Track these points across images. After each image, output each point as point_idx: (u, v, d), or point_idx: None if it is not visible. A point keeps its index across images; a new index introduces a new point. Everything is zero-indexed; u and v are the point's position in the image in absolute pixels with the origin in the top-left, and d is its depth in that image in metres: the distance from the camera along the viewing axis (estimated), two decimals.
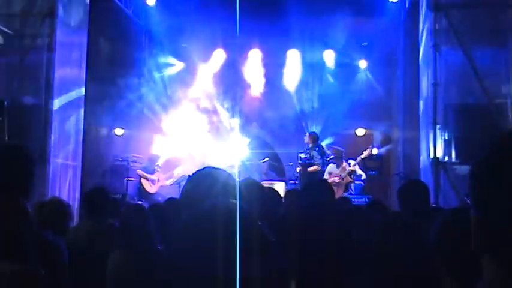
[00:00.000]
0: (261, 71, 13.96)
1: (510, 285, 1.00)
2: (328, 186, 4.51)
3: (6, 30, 9.18)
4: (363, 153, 11.07)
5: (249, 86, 13.85)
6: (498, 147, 1.04)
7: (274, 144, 14.10)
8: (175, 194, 9.47)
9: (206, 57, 13.98)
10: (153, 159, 11.86)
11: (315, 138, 11.73)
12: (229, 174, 2.40)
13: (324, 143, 12.60)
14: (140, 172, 11.72)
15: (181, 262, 1.64)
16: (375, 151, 12.78)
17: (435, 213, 4.09)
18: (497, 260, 1.03)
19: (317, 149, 11.59)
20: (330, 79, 13.80)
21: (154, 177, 11.65)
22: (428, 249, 2.17)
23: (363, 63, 13.67)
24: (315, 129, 13.22)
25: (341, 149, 11.29)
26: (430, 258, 2.21)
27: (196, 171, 2.40)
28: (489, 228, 1.02)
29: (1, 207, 2.33)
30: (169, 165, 12.11)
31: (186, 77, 13.90)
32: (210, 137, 13.48)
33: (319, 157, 11.39)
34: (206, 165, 2.54)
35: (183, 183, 2.50)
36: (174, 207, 4.43)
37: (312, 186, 4.57)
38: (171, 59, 14.17)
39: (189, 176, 2.49)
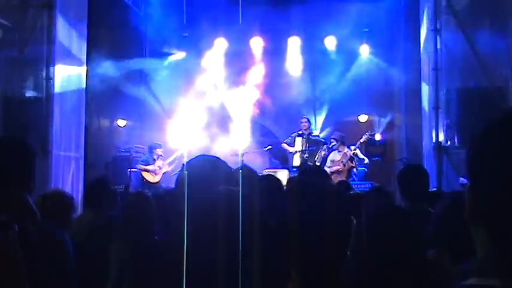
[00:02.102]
0: (263, 58, 13.91)
1: (501, 256, 1.01)
2: (323, 171, 4.52)
3: (5, 22, 9.17)
4: (362, 138, 11.09)
5: (250, 74, 13.80)
6: (494, 123, 1.06)
7: (277, 131, 14.08)
8: None
9: (207, 46, 13.94)
10: (152, 149, 11.81)
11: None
12: (224, 161, 2.40)
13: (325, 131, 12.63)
14: (139, 167, 11.67)
15: (184, 249, 1.64)
16: (377, 137, 12.78)
17: (435, 197, 4.11)
18: (489, 231, 1.05)
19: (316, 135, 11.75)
20: (332, 66, 13.74)
21: (155, 166, 11.62)
22: (424, 236, 2.18)
23: (364, 49, 13.62)
24: (317, 116, 13.25)
25: (343, 134, 11.30)
26: (425, 244, 2.22)
27: (191, 159, 2.40)
28: (482, 199, 1.05)
29: (3, 200, 2.33)
30: (170, 151, 12.10)
31: (187, 66, 13.87)
32: (214, 125, 13.47)
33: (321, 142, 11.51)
34: (202, 153, 2.53)
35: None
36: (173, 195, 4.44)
37: (308, 172, 4.58)
38: (172, 49, 14.14)
39: (183, 164, 2.48)
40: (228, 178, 2.27)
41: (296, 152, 11.51)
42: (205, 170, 2.26)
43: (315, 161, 11.14)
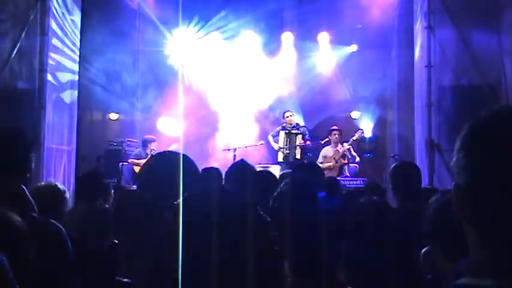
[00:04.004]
0: (256, 53, 13.87)
1: (494, 257, 1.01)
2: (317, 167, 4.52)
3: None
4: (354, 135, 11.11)
5: (243, 68, 13.77)
6: (484, 120, 1.05)
7: (270, 127, 14.06)
8: None
9: (201, 38, 13.87)
10: (145, 143, 11.73)
11: None
12: (189, 158, 2.39)
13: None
14: (131, 161, 11.55)
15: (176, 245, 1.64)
16: (368, 134, 12.79)
17: (427, 194, 4.12)
18: (480, 230, 1.04)
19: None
20: (325, 62, 13.73)
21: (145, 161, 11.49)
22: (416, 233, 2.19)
23: (357, 46, 13.61)
24: (308, 111, 13.27)
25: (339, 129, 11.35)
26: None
27: (157, 153, 2.38)
28: (473, 197, 1.03)
29: (0, 191, 2.33)
30: (163, 146, 12.04)
31: (180, 58, 13.77)
32: (207, 120, 13.45)
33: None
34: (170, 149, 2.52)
35: None
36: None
37: (303, 168, 4.58)
38: (165, 40, 14.03)
39: (146, 161, 2.47)
40: (192, 176, 2.25)
41: (279, 148, 11.63)
42: (166, 168, 2.24)
43: (295, 155, 11.29)
